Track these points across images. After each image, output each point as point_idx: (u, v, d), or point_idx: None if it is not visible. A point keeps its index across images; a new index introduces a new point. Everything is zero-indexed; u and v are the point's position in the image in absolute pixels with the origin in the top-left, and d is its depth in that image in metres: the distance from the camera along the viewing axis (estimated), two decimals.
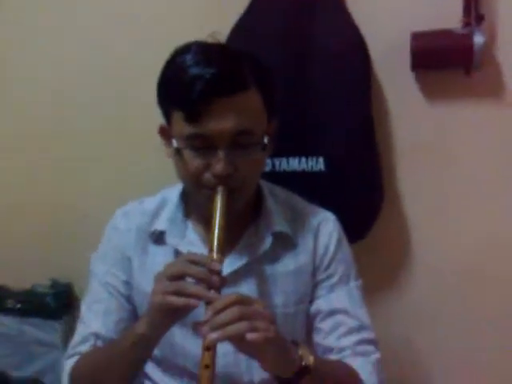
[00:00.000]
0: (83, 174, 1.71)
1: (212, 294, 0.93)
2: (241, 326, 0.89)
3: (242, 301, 0.93)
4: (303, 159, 1.44)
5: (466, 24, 1.35)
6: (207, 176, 1.03)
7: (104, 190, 1.67)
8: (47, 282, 1.74)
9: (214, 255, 0.97)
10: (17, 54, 1.69)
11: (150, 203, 1.20)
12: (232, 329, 0.88)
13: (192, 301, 0.92)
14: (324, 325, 1.15)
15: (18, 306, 1.72)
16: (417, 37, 1.37)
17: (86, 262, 1.24)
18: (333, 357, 1.13)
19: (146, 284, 1.10)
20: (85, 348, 1.14)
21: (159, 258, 1.14)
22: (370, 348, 1.14)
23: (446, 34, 1.36)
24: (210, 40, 1.07)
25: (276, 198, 1.20)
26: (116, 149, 1.66)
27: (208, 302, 0.92)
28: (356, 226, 1.46)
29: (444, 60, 1.39)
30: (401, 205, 1.52)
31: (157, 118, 1.11)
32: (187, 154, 1.03)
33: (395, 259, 1.56)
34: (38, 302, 1.70)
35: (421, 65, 1.40)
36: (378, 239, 1.51)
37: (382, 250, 1.55)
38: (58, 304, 1.70)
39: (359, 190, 1.46)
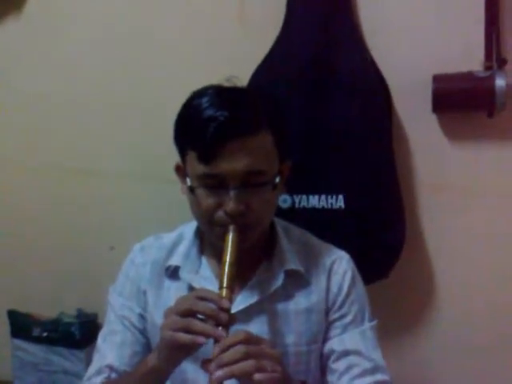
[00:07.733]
0: (110, 207, 1.74)
1: (219, 331, 0.93)
2: (247, 364, 0.90)
3: (250, 339, 0.93)
4: (323, 197, 1.43)
5: (488, 67, 1.35)
6: (219, 214, 1.04)
7: (130, 223, 1.70)
8: (73, 312, 1.75)
9: (224, 292, 0.97)
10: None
11: (168, 239, 1.22)
12: (238, 367, 0.89)
13: (199, 338, 0.92)
14: (338, 365, 1.13)
15: (45, 334, 1.71)
16: (438, 79, 1.38)
17: None
18: None
19: (159, 318, 1.10)
20: (99, 380, 1.14)
21: (173, 293, 1.15)
22: None
23: (467, 76, 1.36)
24: (226, 84, 1.10)
25: (290, 236, 1.20)
26: (142, 186, 1.70)
27: (216, 340, 0.93)
28: (378, 265, 1.45)
29: (465, 102, 1.39)
30: (423, 244, 1.51)
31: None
32: (200, 192, 1.05)
33: (419, 299, 1.54)
34: (63, 331, 1.70)
35: (442, 107, 1.40)
36: (401, 278, 1.49)
37: (406, 289, 1.54)
38: (83, 334, 1.69)
39: (380, 228, 1.45)
